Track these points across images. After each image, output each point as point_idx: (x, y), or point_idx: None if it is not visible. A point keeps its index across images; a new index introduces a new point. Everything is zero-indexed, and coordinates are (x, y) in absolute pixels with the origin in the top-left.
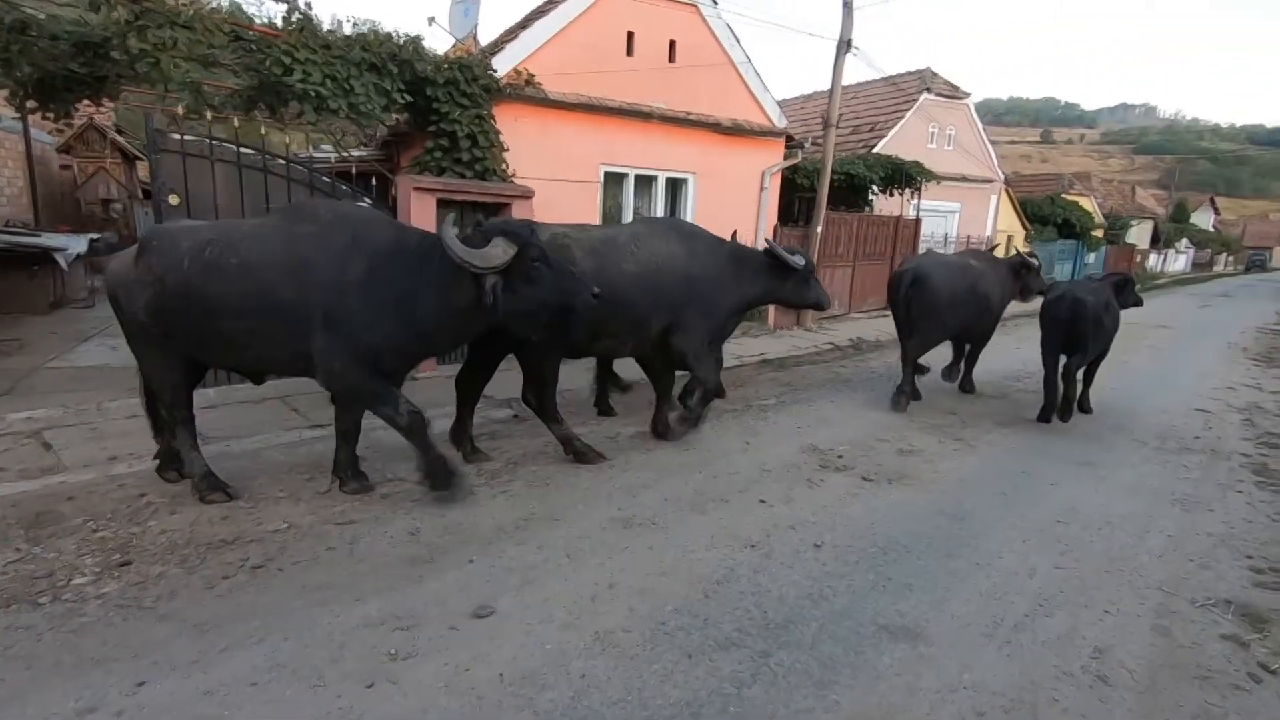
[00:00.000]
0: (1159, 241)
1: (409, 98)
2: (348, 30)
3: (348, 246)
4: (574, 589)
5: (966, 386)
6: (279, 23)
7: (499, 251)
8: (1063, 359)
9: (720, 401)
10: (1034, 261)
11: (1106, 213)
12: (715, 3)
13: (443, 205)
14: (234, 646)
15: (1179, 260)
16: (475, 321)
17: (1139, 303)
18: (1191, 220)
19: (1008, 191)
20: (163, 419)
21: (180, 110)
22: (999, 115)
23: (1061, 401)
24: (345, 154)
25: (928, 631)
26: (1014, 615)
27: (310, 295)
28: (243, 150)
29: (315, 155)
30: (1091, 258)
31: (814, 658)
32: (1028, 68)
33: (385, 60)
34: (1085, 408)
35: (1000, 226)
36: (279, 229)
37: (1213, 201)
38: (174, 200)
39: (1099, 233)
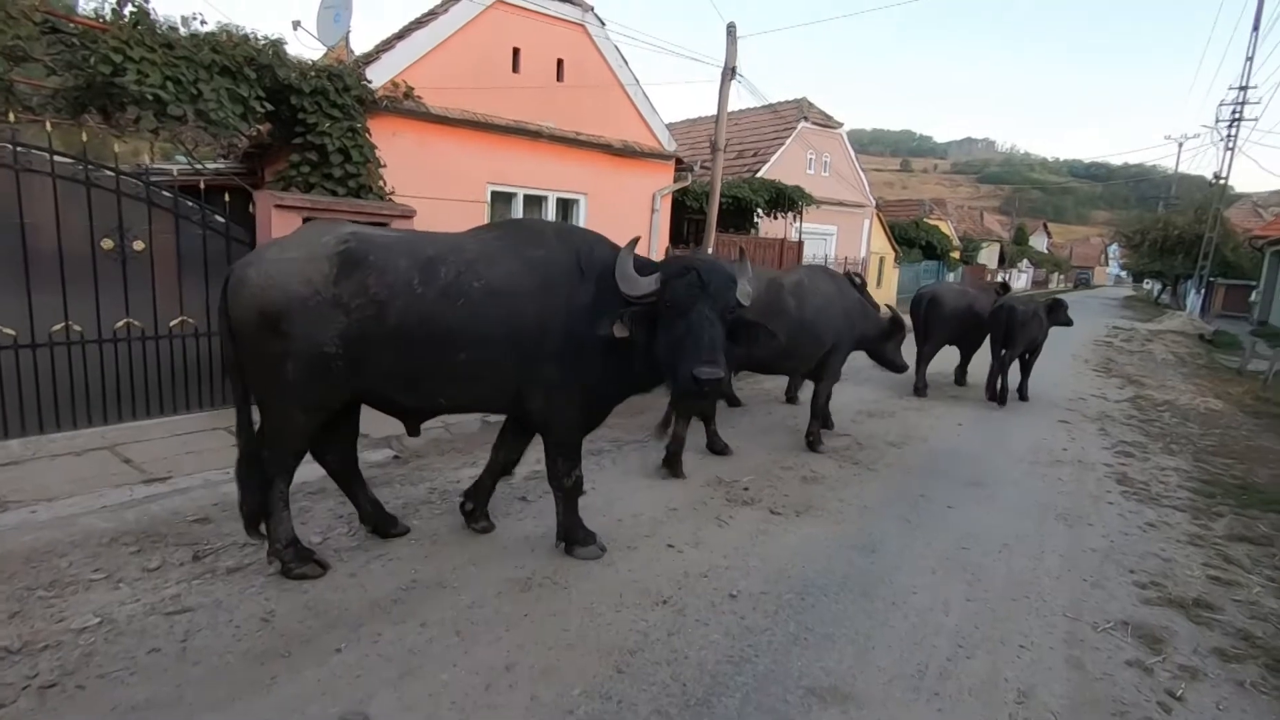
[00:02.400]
0: (1005, 262)
1: (270, 106)
2: (197, 29)
3: (575, 269)
4: (465, 676)
5: (960, 380)
6: (108, 15)
7: (647, 283)
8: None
9: (622, 433)
10: (1006, 286)
11: (961, 236)
12: (603, 24)
13: None
14: None
15: (1022, 278)
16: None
17: (1069, 322)
18: (1030, 243)
19: (879, 216)
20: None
21: None
22: (864, 145)
23: (1001, 387)
24: (200, 166)
25: (856, 690)
26: (937, 661)
27: (549, 323)
28: (59, 159)
29: (163, 167)
30: (951, 277)
31: None
32: (889, 102)
33: (241, 64)
34: (1023, 396)
35: (873, 248)
36: (508, 249)
37: (1046, 227)
38: None
39: (956, 254)
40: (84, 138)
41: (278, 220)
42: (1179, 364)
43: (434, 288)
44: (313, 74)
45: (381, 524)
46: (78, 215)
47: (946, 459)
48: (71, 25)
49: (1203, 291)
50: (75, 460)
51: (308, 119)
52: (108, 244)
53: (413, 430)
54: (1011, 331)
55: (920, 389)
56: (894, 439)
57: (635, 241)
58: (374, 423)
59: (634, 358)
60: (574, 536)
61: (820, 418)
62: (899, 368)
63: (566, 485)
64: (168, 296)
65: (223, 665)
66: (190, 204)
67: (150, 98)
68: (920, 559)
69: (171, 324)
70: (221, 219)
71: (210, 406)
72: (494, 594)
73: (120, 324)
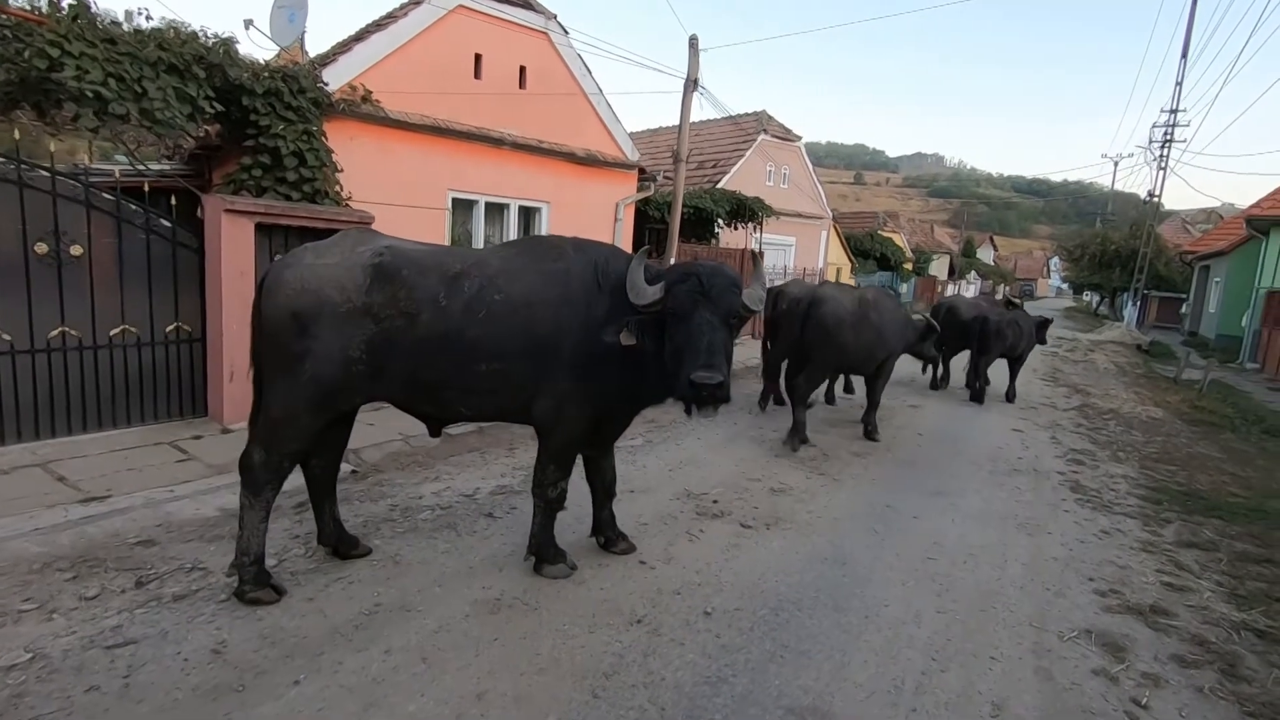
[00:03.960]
0: (954, 273)
1: (220, 107)
2: (141, 24)
3: (592, 282)
4: (434, 707)
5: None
6: (45, 7)
7: (652, 291)
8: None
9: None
10: (1016, 300)
11: (914, 248)
12: (566, 32)
13: (263, 231)
14: None
15: (970, 289)
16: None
17: (1044, 342)
18: (977, 255)
19: (835, 228)
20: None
21: None
22: (820, 158)
23: (978, 389)
24: (142, 167)
25: (834, 709)
26: (912, 675)
27: (566, 334)
28: None
29: (102, 167)
30: (905, 288)
31: None
32: (842, 116)
33: (189, 62)
34: (976, 398)
35: (830, 259)
36: (528, 263)
37: (992, 240)
38: None
39: (909, 265)
40: (16, 135)
41: (228, 225)
42: (1120, 373)
43: (458, 302)
44: (266, 74)
45: (342, 544)
46: (9, 217)
47: (909, 469)
48: (3, 17)
49: (1138, 304)
50: (3, 478)
51: (260, 121)
52: (42, 248)
53: (434, 433)
54: (985, 340)
55: (936, 383)
56: (857, 449)
57: (646, 251)
58: None
59: (648, 369)
60: (545, 554)
61: (876, 408)
62: (932, 359)
63: (550, 495)
64: (108, 304)
65: (170, 702)
66: (134, 207)
67: (91, 95)
68: (890, 570)
69: (112, 333)
70: (168, 223)
71: (153, 420)
72: (461, 617)
73: (55, 333)
